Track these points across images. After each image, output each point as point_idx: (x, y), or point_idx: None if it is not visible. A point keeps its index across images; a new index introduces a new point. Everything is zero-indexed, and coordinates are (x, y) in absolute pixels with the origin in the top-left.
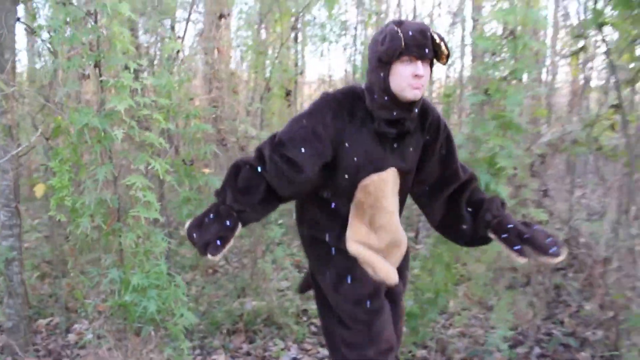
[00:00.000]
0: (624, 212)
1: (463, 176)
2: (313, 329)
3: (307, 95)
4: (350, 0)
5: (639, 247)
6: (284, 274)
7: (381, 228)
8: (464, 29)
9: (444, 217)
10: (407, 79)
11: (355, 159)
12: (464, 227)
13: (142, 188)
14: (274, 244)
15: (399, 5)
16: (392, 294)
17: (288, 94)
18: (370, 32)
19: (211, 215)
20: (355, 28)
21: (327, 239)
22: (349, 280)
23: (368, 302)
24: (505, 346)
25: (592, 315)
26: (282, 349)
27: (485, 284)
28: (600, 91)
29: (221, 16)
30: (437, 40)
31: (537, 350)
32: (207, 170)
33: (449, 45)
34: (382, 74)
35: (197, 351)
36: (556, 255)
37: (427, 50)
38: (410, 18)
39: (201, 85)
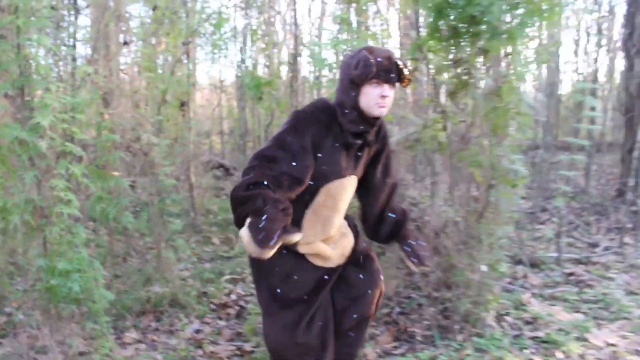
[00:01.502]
0: (451, 192)
1: (394, 182)
2: (212, 307)
3: (200, 100)
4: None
5: (459, 219)
6: (184, 263)
7: (333, 227)
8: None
9: (376, 215)
10: (375, 99)
11: (323, 167)
12: (381, 226)
13: (63, 189)
14: (176, 234)
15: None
16: (360, 257)
17: (182, 104)
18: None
19: (262, 216)
20: (244, 35)
21: None
22: (295, 277)
23: (306, 297)
24: None
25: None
26: (186, 324)
27: None
28: (430, 100)
29: (125, 43)
30: (401, 66)
31: (397, 309)
32: (116, 173)
33: (408, 69)
34: (353, 94)
35: (112, 331)
36: (427, 266)
37: (392, 75)
38: (297, 25)
39: (110, 101)
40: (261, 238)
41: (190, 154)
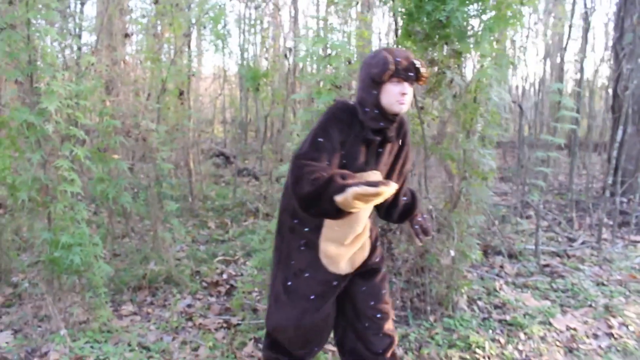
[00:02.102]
0: (427, 183)
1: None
2: (204, 284)
3: (203, 89)
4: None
5: (430, 207)
6: (179, 244)
7: (358, 222)
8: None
9: (390, 201)
10: (396, 96)
11: (344, 161)
12: (394, 210)
13: (67, 169)
14: (172, 216)
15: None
16: (369, 271)
17: (181, 93)
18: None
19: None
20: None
21: (303, 230)
22: (306, 275)
23: (312, 297)
24: None
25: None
26: (179, 299)
27: None
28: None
29: (127, 35)
30: (418, 66)
31: None
32: (116, 156)
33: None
34: (374, 92)
35: (110, 304)
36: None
37: (411, 74)
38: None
39: (111, 90)
40: (376, 184)
41: (190, 141)
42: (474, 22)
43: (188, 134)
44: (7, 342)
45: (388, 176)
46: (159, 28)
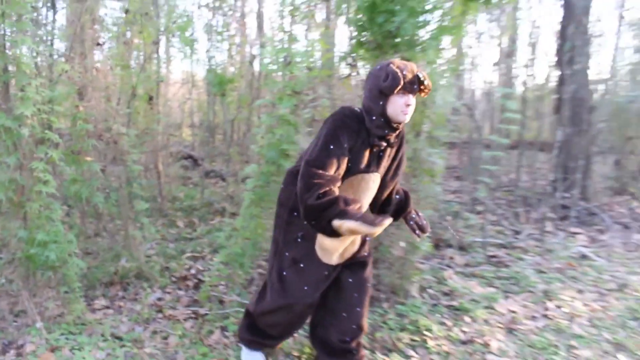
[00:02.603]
0: None
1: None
2: (173, 279)
3: (172, 94)
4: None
5: None
6: (149, 242)
7: None
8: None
9: (384, 199)
10: (401, 107)
11: (350, 164)
12: (388, 207)
13: (42, 171)
14: (142, 215)
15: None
16: (357, 263)
17: (151, 98)
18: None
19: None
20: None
21: (302, 223)
22: (301, 265)
23: (306, 287)
24: None
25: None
26: (149, 293)
27: None
28: None
29: (98, 43)
30: (422, 78)
31: None
32: (89, 158)
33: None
34: (381, 102)
35: (83, 299)
36: (427, 233)
37: (415, 86)
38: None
39: (83, 95)
40: (371, 222)
41: (159, 144)
42: (421, 32)
43: (157, 138)
44: None
45: (385, 177)
46: (129, 35)
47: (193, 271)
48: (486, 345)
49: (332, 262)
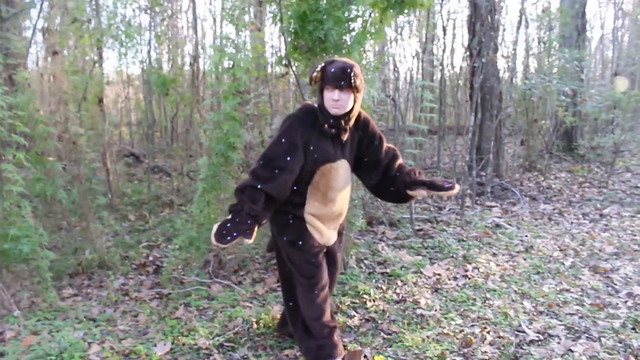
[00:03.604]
0: None
1: (390, 154)
2: (134, 266)
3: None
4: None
5: None
6: (106, 232)
7: (331, 201)
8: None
9: (380, 181)
10: (329, 102)
11: (315, 155)
12: (392, 189)
13: (11, 171)
14: (101, 209)
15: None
16: (331, 251)
17: (100, 100)
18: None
19: (236, 219)
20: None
21: (289, 208)
22: (299, 244)
23: (313, 259)
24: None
25: None
26: (113, 280)
27: None
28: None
29: (54, 52)
30: (348, 72)
31: None
32: (51, 158)
33: (359, 78)
34: (320, 97)
35: (51, 289)
36: (451, 188)
37: (343, 82)
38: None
39: (44, 100)
40: (221, 234)
41: (106, 143)
42: (347, 37)
43: (104, 137)
44: None
45: (357, 162)
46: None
47: (151, 258)
48: (416, 302)
49: (326, 242)
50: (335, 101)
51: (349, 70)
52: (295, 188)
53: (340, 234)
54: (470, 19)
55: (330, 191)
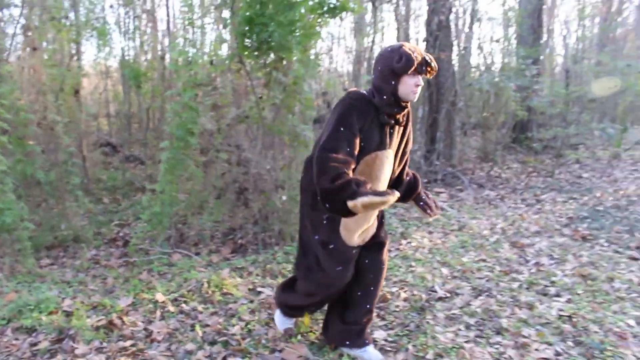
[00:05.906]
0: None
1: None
2: (105, 241)
3: (88, 86)
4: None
5: (268, 167)
6: (83, 209)
7: None
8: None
9: (394, 179)
10: (411, 87)
11: (363, 143)
12: (398, 188)
13: None
14: (76, 188)
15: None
16: (375, 245)
17: (77, 91)
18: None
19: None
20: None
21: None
22: (331, 247)
23: (339, 267)
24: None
25: None
26: (86, 252)
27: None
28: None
29: (34, 48)
30: (429, 60)
31: (239, 234)
32: (31, 142)
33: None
34: (393, 82)
35: (30, 257)
36: (431, 215)
37: (424, 68)
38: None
39: (24, 90)
40: (382, 193)
41: (83, 132)
42: (289, 37)
43: (81, 125)
44: None
45: (396, 154)
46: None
47: (121, 234)
48: None
49: (354, 244)
50: (417, 86)
51: (427, 56)
52: None
53: (381, 223)
54: (430, 14)
55: (375, 183)
